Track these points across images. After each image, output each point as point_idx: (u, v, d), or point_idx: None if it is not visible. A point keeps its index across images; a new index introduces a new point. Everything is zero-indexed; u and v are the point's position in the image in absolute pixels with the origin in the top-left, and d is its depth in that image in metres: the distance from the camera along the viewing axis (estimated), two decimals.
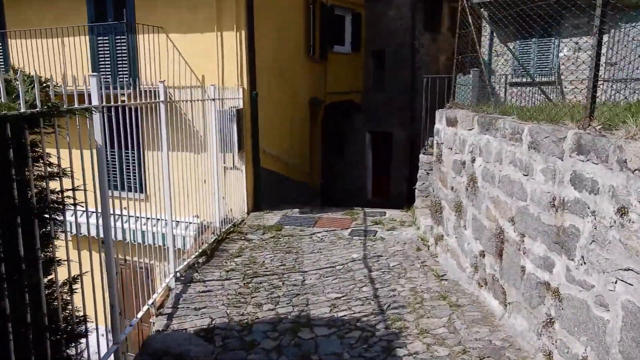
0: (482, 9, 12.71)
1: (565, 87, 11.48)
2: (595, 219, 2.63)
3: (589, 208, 2.68)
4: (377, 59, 14.74)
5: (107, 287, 3.50)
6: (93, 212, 3.38)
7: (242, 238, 6.78)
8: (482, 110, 4.63)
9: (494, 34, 12.35)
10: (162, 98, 4.78)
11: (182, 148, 5.89)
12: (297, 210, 8.69)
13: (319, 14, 12.05)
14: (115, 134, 4.05)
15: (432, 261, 5.55)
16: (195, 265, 5.53)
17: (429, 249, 6.02)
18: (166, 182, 4.98)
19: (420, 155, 7.93)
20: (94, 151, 3.32)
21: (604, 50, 11.49)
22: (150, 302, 4.45)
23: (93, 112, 3.16)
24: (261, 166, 8.61)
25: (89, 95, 3.22)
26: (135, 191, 7.58)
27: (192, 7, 7.93)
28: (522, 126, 3.45)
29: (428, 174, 7.86)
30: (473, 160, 4.47)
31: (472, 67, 8.37)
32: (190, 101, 5.89)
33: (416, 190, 8.17)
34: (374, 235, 6.93)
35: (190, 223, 7.24)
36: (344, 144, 15.55)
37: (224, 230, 6.82)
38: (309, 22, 11.35)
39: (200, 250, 5.79)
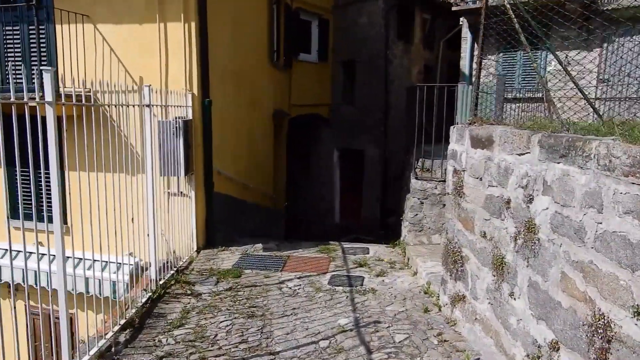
0: (462, 17, 11.71)
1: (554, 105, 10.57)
2: None
3: None
4: (347, 70, 13.41)
5: None
6: None
7: (188, 292, 5.05)
8: (539, 126, 3.23)
9: (475, 44, 11.32)
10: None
11: (113, 168, 4.19)
12: (259, 245, 7.04)
13: (283, 18, 10.59)
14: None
15: (452, 333, 4.06)
16: (113, 348, 3.77)
17: (440, 310, 4.55)
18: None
19: (413, 180, 6.51)
20: None
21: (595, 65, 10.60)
22: None
23: None
24: (215, 191, 6.93)
25: None
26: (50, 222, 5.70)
27: None
28: None
29: (422, 203, 6.45)
30: (529, 200, 3.05)
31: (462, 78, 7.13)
32: (114, 106, 4.16)
33: (406, 223, 6.73)
34: (362, 285, 5.40)
35: (122, 264, 5.46)
36: (310, 161, 14.03)
37: (162, 282, 5.07)
38: (272, 25, 9.85)
39: (122, 322, 4.02)
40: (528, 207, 3.07)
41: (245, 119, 8.39)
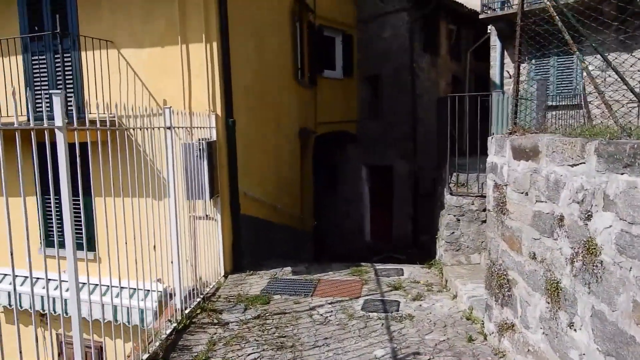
0: (490, 24, 11.34)
1: (591, 110, 10.02)
2: None
3: None
4: (372, 85, 13.20)
5: None
6: None
7: (215, 321, 4.82)
8: (592, 133, 2.89)
9: (505, 52, 10.93)
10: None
11: (139, 193, 4.09)
12: (288, 269, 6.78)
13: (306, 34, 10.50)
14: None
15: None
16: None
17: (486, 339, 4.15)
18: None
19: (447, 196, 6.15)
20: None
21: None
22: None
23: None
24: (242, 213, 6.74)
25: None
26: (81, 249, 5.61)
27: (147, 13, 6.20)
28: None
29: (458, 220, 6.07)
30: (587, 217, 2.69)
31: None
32: (133, 129, 4.02)
33: (442, 242, 6.35)
34: (397, 310, 5.05)
35: (150, 291, 5.29)
36: (337, 179, 13.78)
37: (188, 311, 4.86)
38: (296, 42, 9.76)
39: (145, 358, 3.81)
40: (586, 224, 2.71)
41: (270, 138, 8.24)
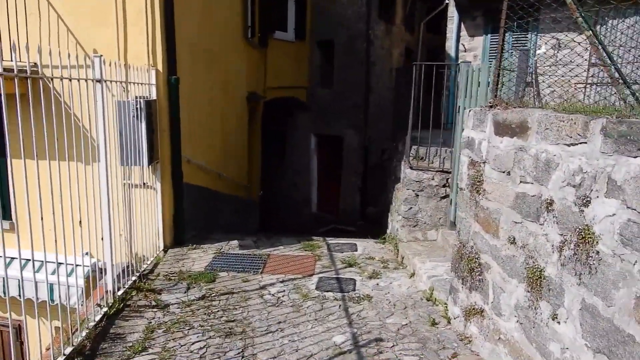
0: None
1: (542, 90, 10.13)
2: None
3: None
4: (325, 50, 12.63)
5: None
6: None
7: (153, 303, 4.29)
8: (593, 110, 2.61)
9: (462, 25, 10.74)
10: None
11: (63, 156, 3.42)
12: (235, 242, 6.30)
13: None
14: None
15: (469, 354, 3.48)
16: None
17: (449, 322, 3.95)
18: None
19: (407, 170, 5.88)
20: None
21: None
22: None
23: None
24: (184, 182, 6.13)
25: None
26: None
27: None
28: None
29: (417, 195, 5.84)
30: (584, 203, 2.44)
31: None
32: (55, 79, 3.30)
33: (399, 217, 6.11)
34: (354, 289, 4.76)
35: (77, 265, 4.63)
36: (285, 148, 13.28)
37: (122, 292, 4.28)
38: None
39: (68, 352, 3.23)
40: (582, 211, 2.46)
41: (217, 101, 7.56)
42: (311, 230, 11.24)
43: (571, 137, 2.54)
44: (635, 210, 2.12)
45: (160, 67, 5.47)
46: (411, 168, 5.80)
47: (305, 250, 6.10)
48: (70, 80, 3.31)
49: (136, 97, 4.98)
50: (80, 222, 3.50)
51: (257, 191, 10.75)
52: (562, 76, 5.36)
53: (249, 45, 9.31)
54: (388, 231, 7.24)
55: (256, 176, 10.70)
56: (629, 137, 2.16)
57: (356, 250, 6.09)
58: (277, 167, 13.24)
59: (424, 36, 14.48)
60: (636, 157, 2.12)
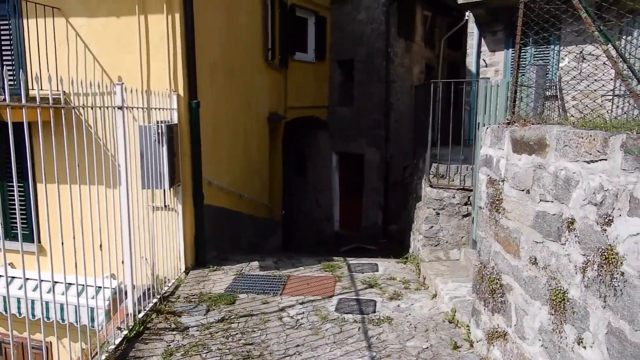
0: (468, 10, 11.05)
1: (567, 102, 9.92)
2: None
3: None
4: (345, 69, 12.73)
5: None
6: None
7: (173, 326, 4.31)
8: (612, 125, 2.54)
9: (483, 40, 10.67)
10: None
11: (89, 180, 3.52)
12: (256, 264, 6.31)
13: (278, 14, 9.90)
14: None
15: None
16: None
17: (472, 346, 3.83)
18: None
19: (427, 188, 5.80)
20: None
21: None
22: None
23: None
24: (206, 203, 6.20)
25: None
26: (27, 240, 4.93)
27: None
28: None
29: (438, 214, 5.75)
30: (607, 222, 2.35)
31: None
32: (82, 107, 3.42)
33: (420, 236, 6.02)
34: (374, 311, 4.68)
35: (101, 288, 4.72)
36: (307, 166, 13.33)
37: (142, 314, 4.32)
38: (266, 21, 9.15)
39: None
40: (604, 230, 2.37)
41: (238, 122, 7.68)
42: (333, 249, 11.18)
43: (590, 153, 2.46)
44: None
45: (181, 91, 5.61)
46: (431, 186, 5.73)
47: (326, 270, 6.06)
48: (91, 108, 3.41)
49: (157, 122, 5.10)
50: (100, 245, 3.56)
51: (279, 210, 10.78)
52: (588, 88, 5.25)
53: (270, 67, 9.46)
54: (410, 250, 7.13)
55: (278, 196, 10.74)
56: None
57: (377, 271, 6.01)
58: (298, 186, 13.28)
59: (445, 52, 14.46)
60: None
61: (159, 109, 5.18)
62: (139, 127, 4.94)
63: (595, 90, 5.45)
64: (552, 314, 2.80)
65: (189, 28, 5.58)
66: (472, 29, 10.58)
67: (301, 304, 4.92)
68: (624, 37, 9.26)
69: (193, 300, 4.97)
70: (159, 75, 5.59)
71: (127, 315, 4.10)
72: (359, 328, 4.28)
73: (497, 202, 3.42)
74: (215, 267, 6.02)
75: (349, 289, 5.34)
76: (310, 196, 13.42)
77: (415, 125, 9.60)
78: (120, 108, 3.87)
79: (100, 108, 3.59)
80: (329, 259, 6.58)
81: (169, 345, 3.93)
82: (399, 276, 5.73)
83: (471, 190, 5.57)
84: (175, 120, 5.57)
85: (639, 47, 7.32)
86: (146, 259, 4.75)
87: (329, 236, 13.12)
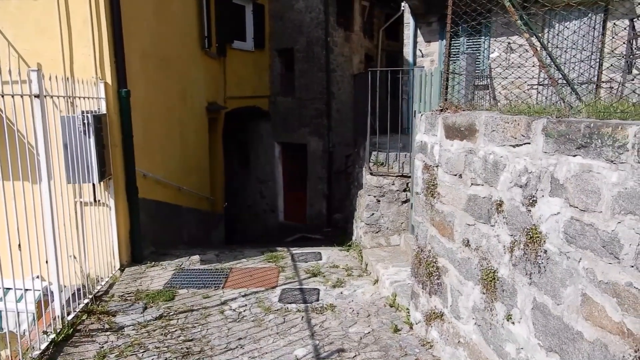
0: (403, 1, 11.24)
1: (498, 92, 10.39)
2: None
3: None
4: (285, 58, 12.61)
5: None
6: None
7: (107, 327, 4.09)
8: (536, 111, 2.65)
9: (418, 31, 10.92)
10: None
11: (5, 175, 3.22)
12: (196, 257, 6.12)
13: (213, 1, 9.61)
14: None
15: (431, 359, 3.45)
16: None
17: (412, 328, 3.93)
18: None
19: (367, 176, 5.87)
20: None
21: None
22: None
23: None
24: (140, 197, 5.92)
25: None
26: None
27: None
28: None
29: (378, 201, 5.84)
30: (531, 203, 2.46)
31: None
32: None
33: (362, 224, 6.09)
34: (318, 299, 4.69)
35: (27, 290, 4.39)
36: (249, 157, 13.13)
37: (71, 316, 4.06)
38: (201, 9, 8.85)
39: None
40: (529, 210, 2.48)
41: (174, 112, 7.39)
42: (278, 240, 11.12)
43: (516, 138, 2.56)
44: (577, 208, 2.14)
45: (109, 79, 5.29)
46: (372, 174, 5.80)
47: (269, 262, 5.99)
48: (2, 96, 3.12)
49: (83, 112, 4.78)
50: (19, 245, 3.29)
51: (221, 203, 10.56)
52: (513, 75, 5.50)
53: (207, 56, 9.18)
54: (353, 238, 7.21)
55: (220, 188, 10.51)
56: (568, 136, 2.19)
57: (321, 259, 6.02)
58: (242, 177, 13.07)
59: (384, 43, 14.67)
60: (575, 155, 2.14)
61: (85, 97, 4.85)
62: (61, 117, 4.60)
63: (524, 81, 5.74)
64: (484, 293, 2.91)
65: (115, 13, 5.26)
66: (409, 20, 10.78)
67: (244, 296, 4.84)
68: (546, 28, 9.79)
69: (129, 298, 4.74)
70: (84, 63, 5.23)
71: (54, 318, 3.83)
72: (302, 317, 4.27)
73: (432, 187, 3.50)
74: (154, 262, 5.79)
75: (293, 279, 5.31)
76: (254, 188, 13.25)
77: (355, 114, 9.70)
78: (37, 96, 3.56)
79: (12, 97, 3.28)
80: (273, 250, 6.52)
81: (102, 347, 3.72)
82: (342, 264, 5.78)
83: (409, 177, 5.70)
84: (104, 110, 5.25)
85: (562, 37, 7.76)
86: (75, 257, 4.47)
87: (274, 227, 13.04)
